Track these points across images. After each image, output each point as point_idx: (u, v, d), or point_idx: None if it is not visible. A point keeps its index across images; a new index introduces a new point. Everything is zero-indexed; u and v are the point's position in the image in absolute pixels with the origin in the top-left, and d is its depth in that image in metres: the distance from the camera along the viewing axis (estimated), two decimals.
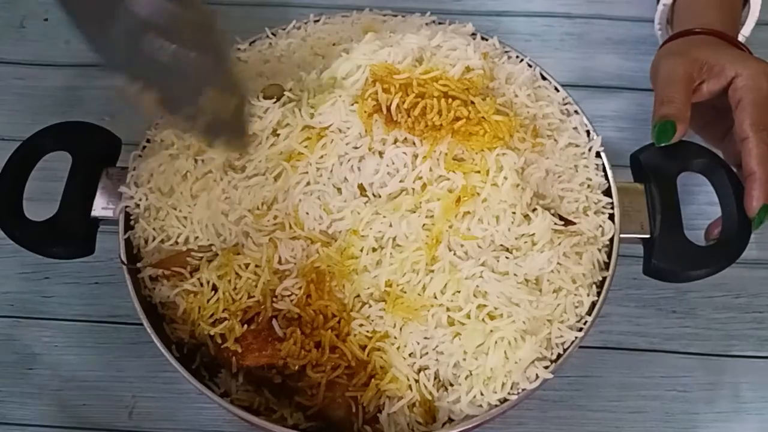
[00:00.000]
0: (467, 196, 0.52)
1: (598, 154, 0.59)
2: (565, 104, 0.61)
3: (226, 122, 0.47)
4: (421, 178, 0.53)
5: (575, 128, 0.60)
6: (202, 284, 0.53)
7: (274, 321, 0.51)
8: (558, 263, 0.52)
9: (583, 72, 0.79)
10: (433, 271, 0.52)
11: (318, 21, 0.67)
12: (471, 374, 0.50)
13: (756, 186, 0.55)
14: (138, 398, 0.61)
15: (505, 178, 0.52)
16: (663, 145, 0.57)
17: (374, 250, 0.52)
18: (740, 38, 0.66)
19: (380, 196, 0.53)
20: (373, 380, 0.51)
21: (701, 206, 0.67)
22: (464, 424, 0.50)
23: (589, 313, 0.53)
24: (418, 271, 0.51)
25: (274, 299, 0.52)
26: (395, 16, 0.67)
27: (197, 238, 0.54)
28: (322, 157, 0.54)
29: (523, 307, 0.51)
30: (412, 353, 0.51)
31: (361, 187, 0.54)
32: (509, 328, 0.50)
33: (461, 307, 0.51)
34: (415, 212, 0.52)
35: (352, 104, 0.54)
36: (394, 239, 0.52)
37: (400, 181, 0.53)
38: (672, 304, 0.66)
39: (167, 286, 0.54)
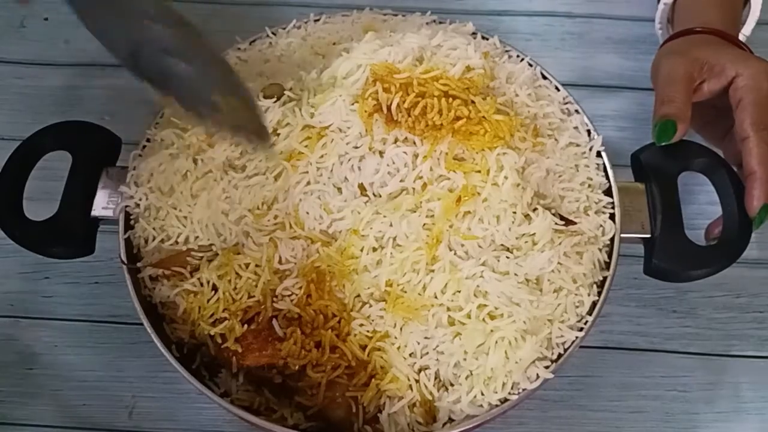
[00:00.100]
0: (468, 196, 0.52)
1: (598, 154, 0.59)
2: (566, 104, 0.61)
3: (241, 117, 0.50)
4: (421, 177, 0.53)
5: (576, 128, 0.60)
6: (202, 284, 0.53)
7: (274, 321, 0.51)
8: (558, 263, 0.52)
9: (583, 71, 0.79)
10: (433, 270, 0.51)
11: (318, 20, 0.67)
12: (471, 374, 0.50)
13: (756, 185, 0.55)
14: (138, 398, 0.61)
15: (506, 177, 0.52)
16: (664, 144, 0.57)
17: (374, 249, 0.52)
18: (741, 37, 0.66)
19: (380, 196, 0.53)
20: (373, 380, 0.51)
21: (702, 206, 0.67)
22: (465, 424, 0.50)
23: (589, 313, 0.53)
24: (419, 271, 0.51)
25: (275, 299, 0.52)
26: (395, 15, 0.67)
27: (197, 237, 0.54)
28: (322, 156, 0.54)
29: (523, 306, 0.51)
30: (412, 353, 0.51)
31: (361, 186, 0.54)
32: (510, 327, 0.50)
33: (462, 307, 0.51)
34: (415, 212, 0.52)
35: (353, 104, 0.54)
36: (394, 239, 0.52)
37: (401, 181, 0.53)
38: (672, 303, 0.66)
39: (167, 286, 0.54)
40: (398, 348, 0.51)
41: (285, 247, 0.52)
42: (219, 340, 0.52)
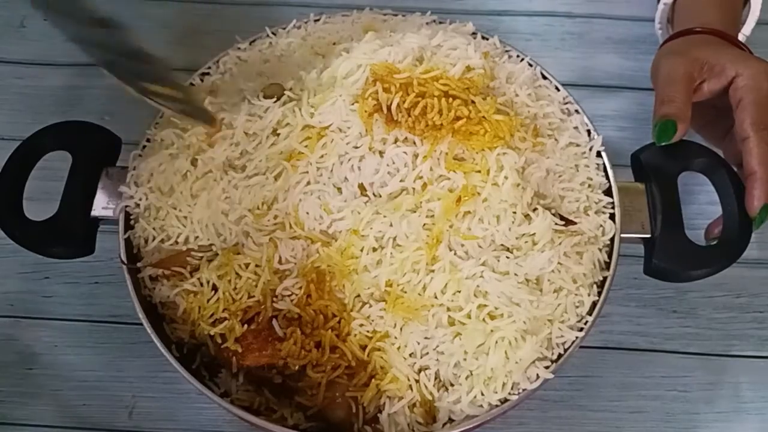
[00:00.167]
0: (468, 196, 0.52)
1: (598, 154, 0.59)
2: (566, 103, 0.61)
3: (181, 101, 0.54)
4: (421, 177, 0.53)
5: (576, 128, 0.60)
6: (202, 284, 0.53)
7: (274, 321, 0.51)
8: (558, 263, 0.52)
9: (583, 71, 0.79)
10: (433, 270, 0.51)
11: (318, 20, 0.67)
12: (471, 374, 0.50)
13: (757, 185, 0.55)
14: (138, 398, 0.61)
15: (506, 177, 0.52)
16: (664, 144, 0.57)
17: (374, 249, 0.52)
18: (741, 37, 0.66)
19: (380, 196, 0.53)
20: (373, 380, 0.51)
21: (702, 206, 0.67)
22: (465, 425, 0.50)
23: (589, 313, 0.53)
24: (419, 271, 0.51)
25: (274, 299, 0.52)
26: (395, 15, 0.67)
27: (197, 237, 0.54)
28: (322, 156, 0.54)
29: (523, 306, 0.51)
30: (412, 353, 0.51)
31: (361, 186, 0.54)
32: (510, 328, 0.50)
33: (462, 307, 0.51)
34: (415, 212, 0.52)
35: (353, 104, 0.54)
36: (394, 239, 0.52)
37: (401, 181, 0.53)
38: (672, 303, 0.66)
39: (167, 285, 0.54)
40: (398, 348, 0.51)
41: (285, 247, 0.52)
42: (219, 340, 0.52)
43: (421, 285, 0.51)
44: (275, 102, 0.56)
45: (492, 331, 0.50)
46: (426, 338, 0.51)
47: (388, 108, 0.53)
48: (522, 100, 0.58)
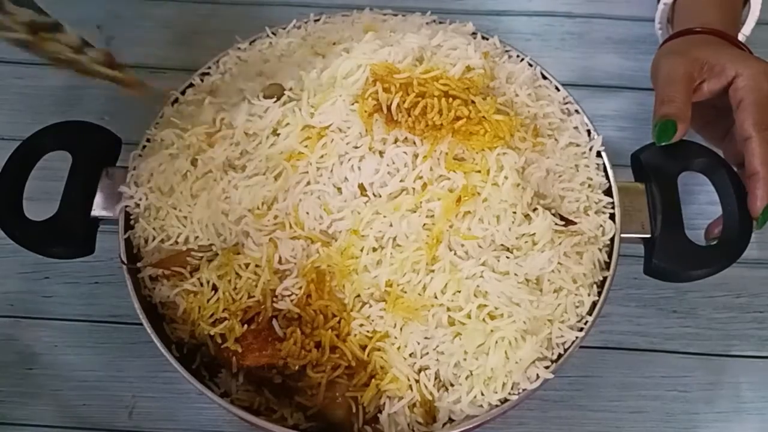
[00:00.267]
0: (468, 196, 0.52)
1: (598, 154, 0.59)
2: (566, 103, 0.61)
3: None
4: (421, 177, 0.53)
5: (576, 128, 0.60)
6: (202, 284, 0.53)
7: (274, 321, 0.51)
8: (558, 263, 0.52)
9: (583, 71, 0.79)
10: (433, 270, 0.51)
11: (318, 20, 0.67)
12: (471, 374, 0.50)
13: (760, 186, 0.55)
14: (138, 398, 0.61)
15: (506, 177, 0.52)
16: (664, 144, 0.57)
17: (374, 249, 0.52)
18: (740, 37, 0.66)
19: (380, 196, 0.53)
20: (373, 380, 0.51)
21: (702, 206, 0.67)
22: (465, 425, 0.50)
23: (589, 313, 0.53)
24: (419, 271, 0.51)
25: (274, 299, 0.52)
26: (395, 15, 0.67)
27: (197, 237, 0.54)
28: (322, 156, 0.54)
29: (523, 306, 0.51)
30: (412, 353, 0.51)
31: (361, 186, 0.53)
32: (510, 328, 0.50)
33: (462, 307, 0.51)
34: (415, 212, 0.52)
35: (353, 104, 0.54)
36: (394, 239, 0.52)
37: (401, 181, 0.53)
38: (672, 303, 0.66)
39: (167, 286, 0.54)
40: (398, 348, 0.51)
41: (285, 247, 0.52)
42: (219, 340, 0.52)
43: (421, 285, 0.51)
44: (275, 102, 0.56)
45: (492, 331, 0.50)
46: (426, 338, 0.51)
47: (388, 108, 0.53)
48: (522, 100, 0.58)
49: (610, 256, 0.55)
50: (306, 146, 0.54)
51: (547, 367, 0.51)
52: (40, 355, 0.63)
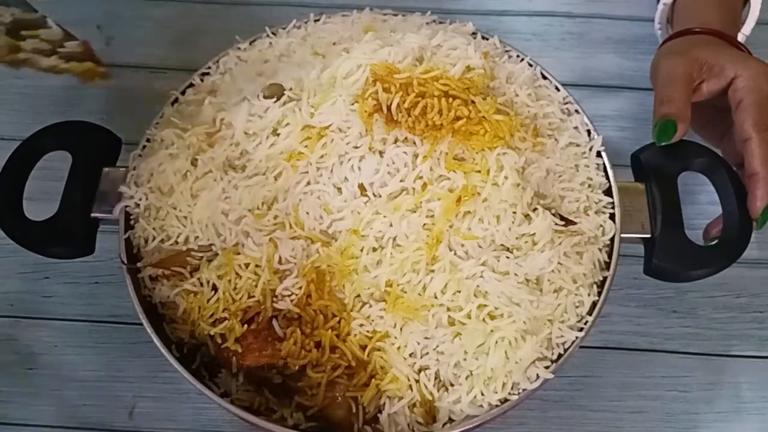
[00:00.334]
0: (468, 196, 0.52)
1: (598, 154, 0.59)
2: (566, 103, 0.61)
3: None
4: (421, 177, 0.53)
5: (576, 128, 0.60)
6: (202, 284, 0.53)
7: (274, 321, 0.51)
8: (558, 263, 0.52)
9: (583, 71, 0.79)
10: (433, 270, 0.51)
11: (318, 20, 0.67)
12: (471, 374, 0.50)
13: (760, 186, 0.54)
14: (138, 398, 0.61)
15: (506, 177, 0.52)
16: (664, 144, 0.57)
17: (374, 249, 0.52)
18: (740, 38, 0.66)
19: (380, 196, 0.53)
20: (373, 380, 0.51)
21: (702, 206, 0.67)
22: (465, 425, 0.50)
23: (589, 313, 0.53)
24: (419, 271, 0.51)
25: (274, 299, 0.52)
26: (395, 15, 0.67)
27: (197, 237, 0.54)
28: (322, 156, 0.54)
29: (523, 306, 0.51)
30: (412, 353, 0.51)
31: (361, 186, 0.53)
32: (510, 328, 0.50)
33: (462, 307, 0.51)
34: (415, 212, 0.52)
35: (353, 104, 0.54)
36: (394, 239, 0.52)
37: (401, 181, 0.53)
38: (672, 303, 0.66)
39: (167, 286, 0.54)
40: (398, 348, 0.51)
41: (285, 247, 0.52)
42: (219, 340, 0.52)
43: (421, 285, 0.51)
44: (275, 102, 0.56)
45: (492, 331, 0.50)
46: (426, 338, 0.51)
47: (388, 108, 0.53)
48: (522, 100, 0.58)
49: (610, 256, 0.55)
50: (306, 146, 0.54)
51: (547, 367, 0.51)
52: (40, 355, 0.63)
